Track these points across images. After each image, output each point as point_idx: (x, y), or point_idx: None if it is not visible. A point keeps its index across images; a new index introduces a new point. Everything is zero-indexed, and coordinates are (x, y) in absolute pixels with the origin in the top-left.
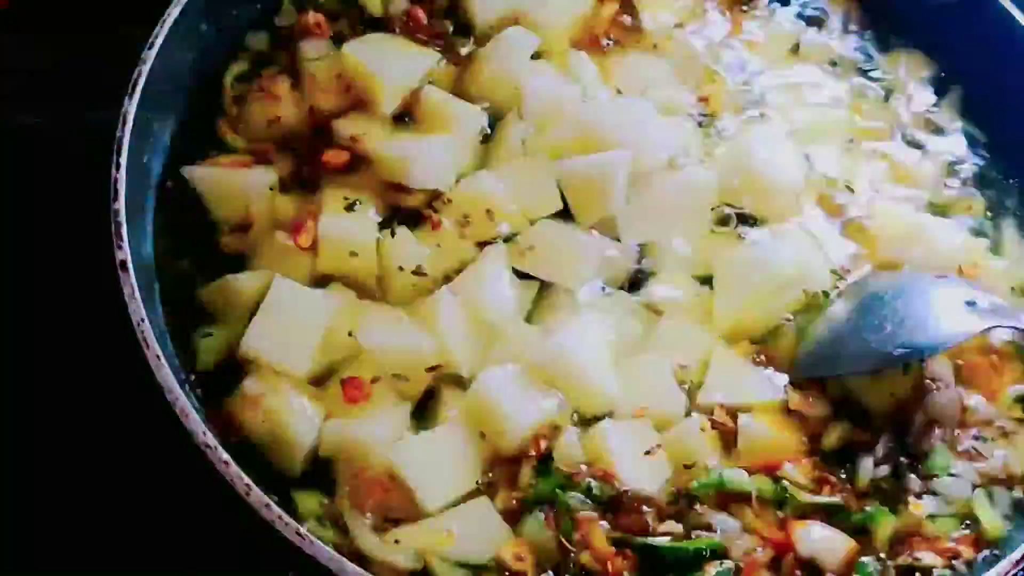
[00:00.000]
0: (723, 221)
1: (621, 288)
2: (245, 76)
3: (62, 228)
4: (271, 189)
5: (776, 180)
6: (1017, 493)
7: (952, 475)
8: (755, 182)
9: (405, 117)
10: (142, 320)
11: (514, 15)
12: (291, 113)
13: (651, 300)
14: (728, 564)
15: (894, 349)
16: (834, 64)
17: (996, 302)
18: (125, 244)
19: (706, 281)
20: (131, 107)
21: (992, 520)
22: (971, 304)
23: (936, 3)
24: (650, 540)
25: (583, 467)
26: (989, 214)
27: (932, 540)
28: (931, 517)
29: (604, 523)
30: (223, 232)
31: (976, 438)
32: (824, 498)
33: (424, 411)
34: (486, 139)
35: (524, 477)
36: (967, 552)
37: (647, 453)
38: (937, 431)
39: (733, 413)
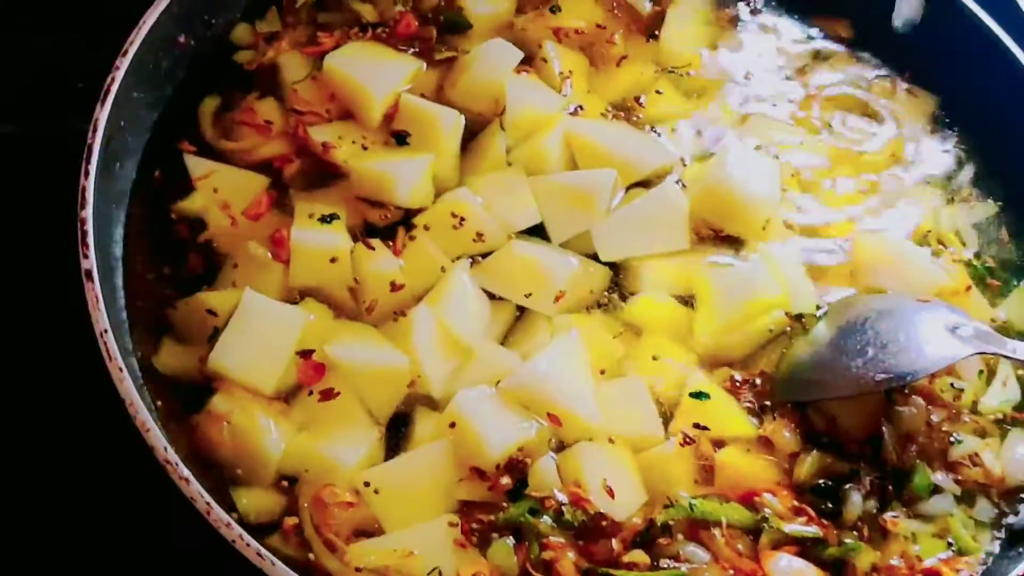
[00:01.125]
0: (702, 240)
1: (600, 307)
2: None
3: (28, 235)
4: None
5: (751, 199)
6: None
7: (934, 491)
8: (731, 200)
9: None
10: (105, 331)
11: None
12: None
13: (630, 320)
14: None
15: (876, 374)
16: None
17: (979, 327)
18: (91, 253)
19: (686, 301)
20: (102, 114)
21: (966, 542)
22: (954, 329)
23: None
24: (615, 572)
25: (556, 492)
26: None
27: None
28: (914, 537)
29: (572, 552)
30: (192, 245)
31: (951, 442)
32: (800, 528)
33: (396, 432)
34: (464, 147)
35: (496, 500)
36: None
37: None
38: (913, 446)
39: (713, 441)
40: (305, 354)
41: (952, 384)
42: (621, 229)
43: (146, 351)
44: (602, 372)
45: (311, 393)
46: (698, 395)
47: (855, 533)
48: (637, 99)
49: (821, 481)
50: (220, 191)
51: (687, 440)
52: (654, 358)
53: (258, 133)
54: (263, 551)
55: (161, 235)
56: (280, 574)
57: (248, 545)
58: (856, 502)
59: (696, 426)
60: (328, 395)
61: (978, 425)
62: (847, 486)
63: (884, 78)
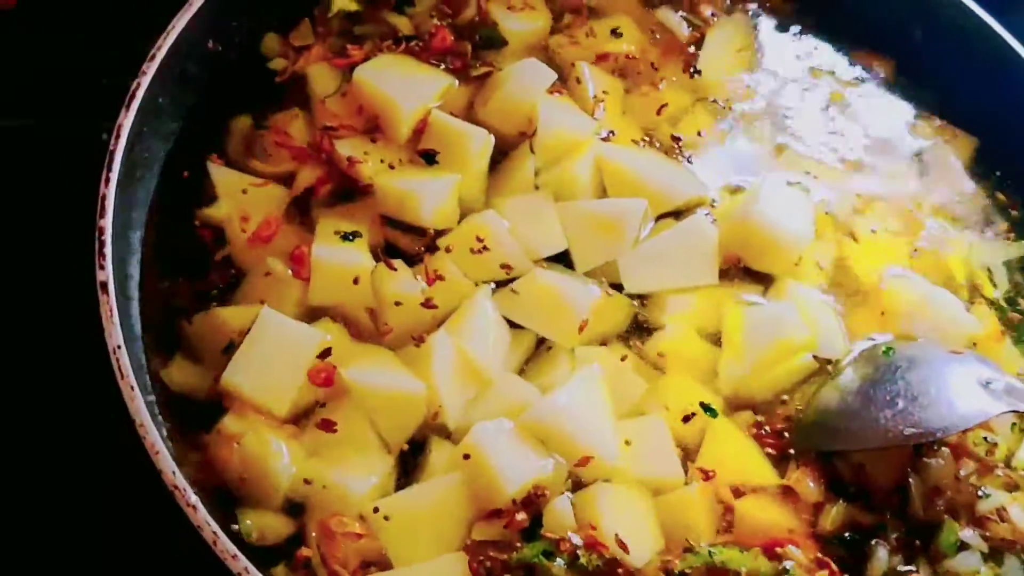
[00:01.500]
0: (730, 275)
1: (622, 341)
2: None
3: (41, 232)
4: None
5: (784, 236)
6: None
7: (961, 548)
8: (763, 237)
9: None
10: (119, 347)
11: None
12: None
13: (654, 356)
14: None
15: (906, 428)
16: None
17: (1012, 383)
18: (108, 264)
19: (712, 338)
20: (127, 120)
21: None
22: (987, 384)
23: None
24: None
25: (571, 534)
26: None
27: None
28: None
29: None
30: (212, 257)
31: (980, 496)
32: None
33: (407, 461)
34: (492, 168)
35: (510, 539)
36: None
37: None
38: (940, 500)
39: (733, 488)
40: (323, 355)
41: (985, 438)
42: (649, 260)
43: (157, 365)
44: (623, 409)
45: (322, 406)
46: (718, 440)
47: None
48: (672, 126)
49: (847, 534)
50: (243, 204)
51: (706, 475)
52: (677, 397)
53: (290, 155)
54: None
55: (180, 246)
56: None
57: None
58: (882, 558)
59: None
60: (328, 426)
61: (1009, 479)
62: (873, 541)
63: (922, 117)
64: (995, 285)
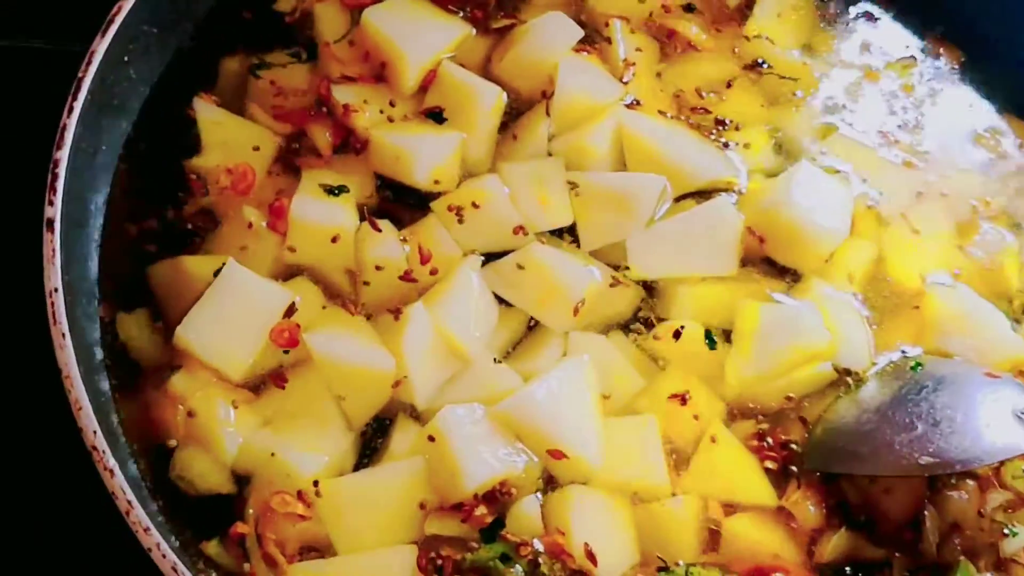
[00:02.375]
0: (752, 267)
1: (623, 330)
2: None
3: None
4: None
5: (814, 229)
6: None
7: None
8: (791, 229)
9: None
10: (55, 290)
11: None
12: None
13: (655, 349)
14: None
15: (921, 456)
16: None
17: None
18: (58, 200)
19: (722, 335)
20: (100, 46)
21: None
22: (1021, 414)
23: None
24: None
25: (535, 539)
26: None
27: None
28: None
29: None
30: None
31: (1005, 534)
32: None
33: (373, 443)
34: (504, 128)
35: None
36: None
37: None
38: (958, 537)
39: (724, 504)
40: (289, 314)
41: None
42: (661, 243)
43: (110, 313)
44: (614, 407)
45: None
46: (713, 451)
47: None
48: (708, 98)
49: (848, 568)
50: (228, 147)
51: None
52: (674, 397)
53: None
54: (179, 566)
55: (156, 188)
56: None
57: (164, 556)
58: None
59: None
60: (280, 381)
61: None
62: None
63: (992, 111)
64: None
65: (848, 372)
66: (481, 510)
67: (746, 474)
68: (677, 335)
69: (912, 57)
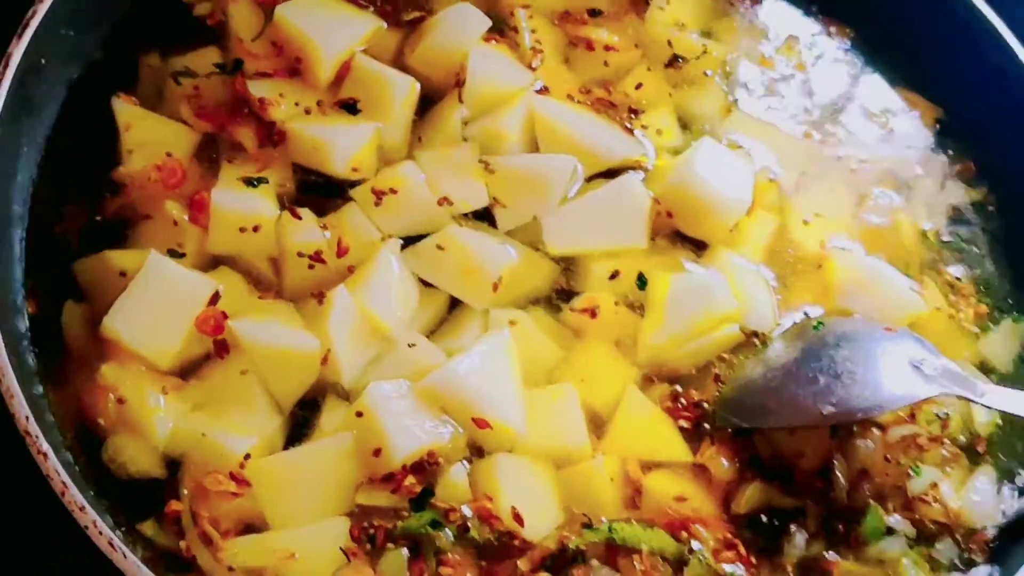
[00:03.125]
0: (663, 241)
1: (542, 305)
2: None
3: None
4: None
5: (719, 202)
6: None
7: (888, 532)
8: (696, 202)
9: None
10: None
11: None
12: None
13: (572, 321)
14: None
15: (824, 407)
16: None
17: (947, 365)
18: None
19: (636, 306)
20: (18, 48)
21: None
22: (917, 365)
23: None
24: None
25: (464, 506)
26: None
27: None
28: None
29: (472, 572)
30: (110, 195)
31: (910, 475)
32: (731, 568)
33: (303, 423)
34: (419, 117)
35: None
36: None
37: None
38: (867, 483)
39: (643, 464)
40: (213, 300)
41: (938, 414)
42: (574, 220)
43: (43, 309)
44: (536, 376)
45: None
46: (631, 413)
47: (790, 574)
48: (616, 82)
49: (763, 516)
50: (147, 145)
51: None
52: (592, 365)
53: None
54: (115, 541)
55: (76, 186)
56: (129, 567)
57: (101, 534)
58: (799, 544)
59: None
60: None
61: (947, 456)
62: (792, 526)
63: (885, 85)
64: (948, 267)
65: (755, 334)
66: (410, 480)
67: (662, 434)
68: (595, 313)
69: (795, 37)
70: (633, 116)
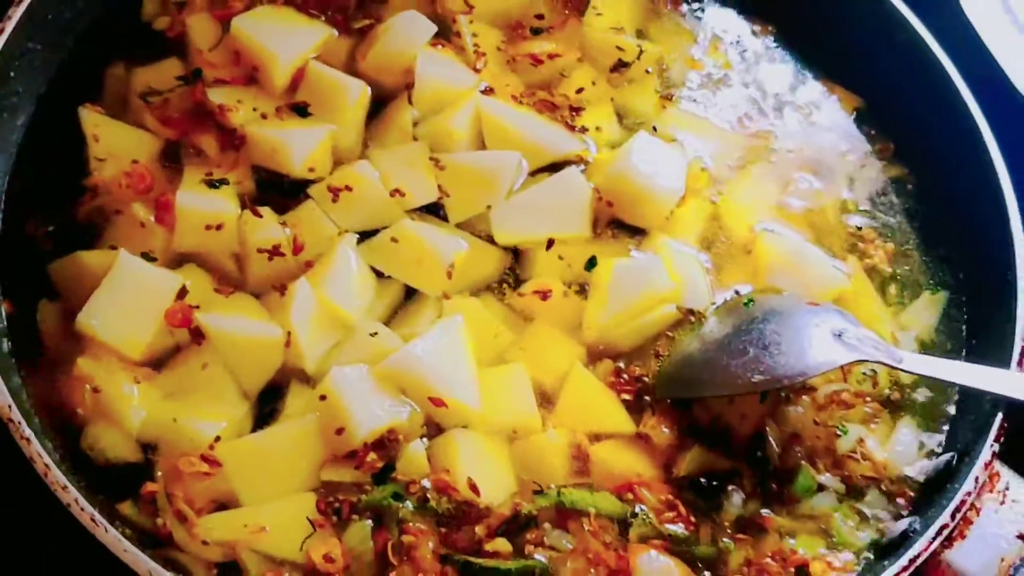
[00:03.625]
0: (605, 230)
1: (491, 291)
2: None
3: None
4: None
5: (655, 191)
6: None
7: (819, 490)
8: (634, 191)
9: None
10: None
11: None
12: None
13: (520, 306)
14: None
15: (754, 375)
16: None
17: (866, 334)
18: None
19: (581, 289)
20: None
21: (846, 538)
22: (839, 335)
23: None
24: (471, 559)
25: (423, 479)
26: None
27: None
28: (793, 533)
29: (433, 540)
30: (80, 200)
31: (837, 435)
32: (673, 527)
33: (270, 407)
34: (372, 118)
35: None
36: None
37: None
38: (799, 447)
39: (590, 435)
40: (180, 295)
41: (865, 372)
42: (520, 212)
43: (20, 309)
44: (489, 357)
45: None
46: (576, 388)
47: (728, 531)
48: (556, 80)
49: (703, 479)
50: (113, 151)
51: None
52: (541, 346)
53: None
54: (97, 516)
55: (46, 190)
56: (111, 541)
57: (83, 510)
58: (736, 503)
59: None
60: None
61: (870, 413)
62: (730, 487)
63: (808, 77)
64: (872, 245)
65: (691, 312)
66: (372, 457)
67: (606, 407)
68: (544, 296)
69: (720, 36)
70: (574, 114)
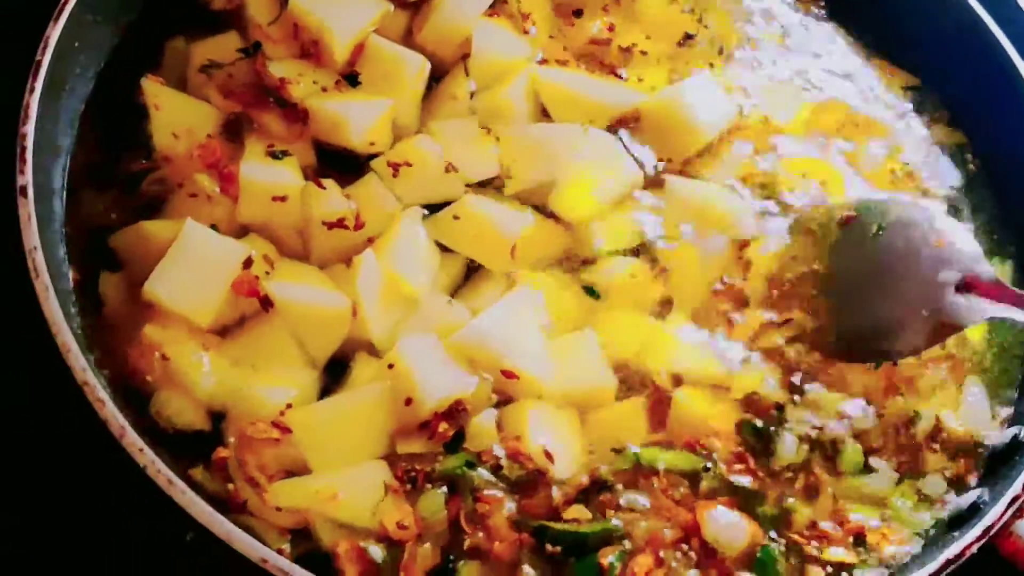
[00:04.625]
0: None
1: (560, 265)
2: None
3: None
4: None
5: (697, 120)
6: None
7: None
8: (676, 121)
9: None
10: (35, 248)
11: None
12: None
13: (589, 280)
14: (624, 546)
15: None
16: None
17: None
18: (28, 169)
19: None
20: (54, 32)
21: (909, 518)
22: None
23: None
24: (548, 523)
25: (495, 446)
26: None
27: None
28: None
29: (510, 504)
30: (146, 174)
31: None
32: (740, 478)
33: (336, 378)
34: (428, 91)
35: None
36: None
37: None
38: None
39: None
40: (248, 267)
41: None
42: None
43: (85, 278)
44: (559, 331)
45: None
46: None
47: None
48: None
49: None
50: (176, 123)
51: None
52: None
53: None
54: (174, 478)
55: (110, 160)
56: (188, 503)
57: (159, 472)
58: (790, 447)
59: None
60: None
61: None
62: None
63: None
64: None
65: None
66: (443, 426)
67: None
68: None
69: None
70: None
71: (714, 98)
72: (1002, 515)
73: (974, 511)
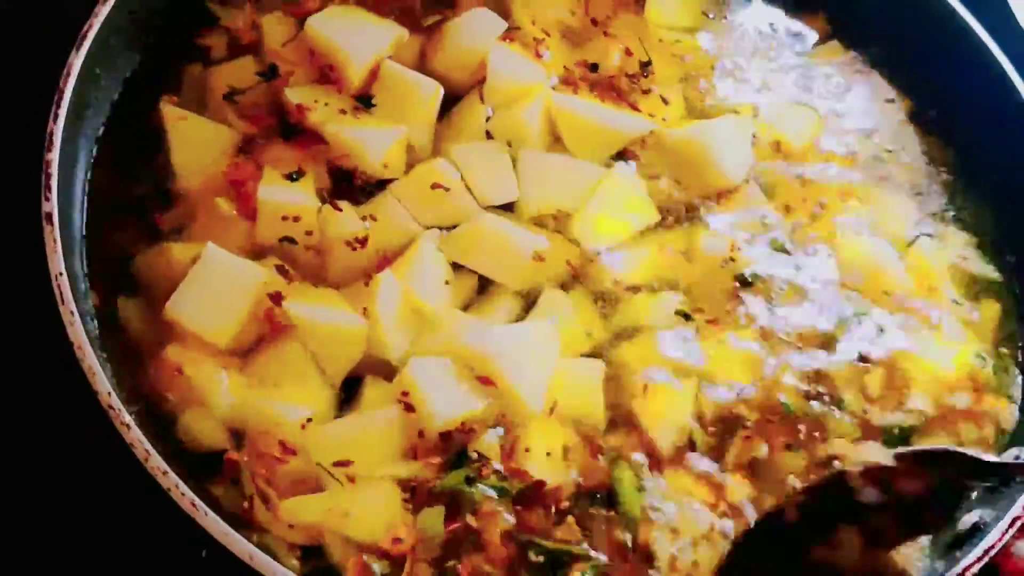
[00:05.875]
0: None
1: (574, 284)
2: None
3: None
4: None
5: (720, 164)
6: None
7: None
8: (701, 160)
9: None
10: (60, 274)
11: None
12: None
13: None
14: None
15: None
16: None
17: None
18: (54, 196)
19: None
20: (77, 60)
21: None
22: None
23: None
24: (537, 540)
25: (494, 463)
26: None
27: None
28: None
29: (508, 517)
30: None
31: None
32: None
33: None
34: (442, 116)
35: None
36: None
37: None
38: None
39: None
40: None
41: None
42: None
43: (104, 301)
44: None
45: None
46: None
47: None
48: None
49: None
50: (193, 144)
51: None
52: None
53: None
54: (197, 501)
55: (128, 185)
56: (210, 524)
57: (183, 495)
58: None
59: None
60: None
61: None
62: None
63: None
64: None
65: None
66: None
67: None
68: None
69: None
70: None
71: (742, 141)
72: (1003, 535)
73: (975, 531)
